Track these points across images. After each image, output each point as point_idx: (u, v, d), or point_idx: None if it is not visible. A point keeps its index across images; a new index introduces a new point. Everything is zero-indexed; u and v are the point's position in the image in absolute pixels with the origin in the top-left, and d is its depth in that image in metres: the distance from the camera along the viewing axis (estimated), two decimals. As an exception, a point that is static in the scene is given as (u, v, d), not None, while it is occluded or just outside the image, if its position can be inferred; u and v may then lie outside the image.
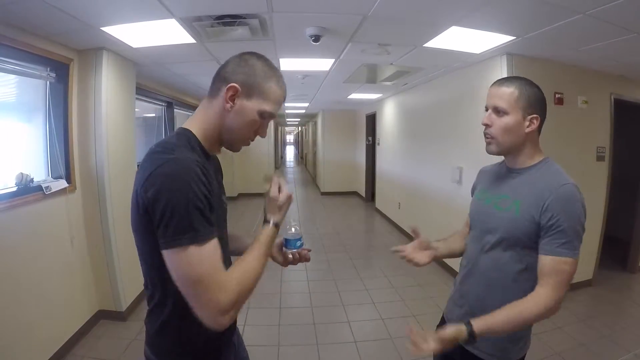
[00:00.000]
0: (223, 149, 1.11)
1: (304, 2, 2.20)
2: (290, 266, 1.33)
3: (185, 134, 1.01)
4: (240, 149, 1.10)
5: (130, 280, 3.27)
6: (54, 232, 2.68)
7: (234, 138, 1.05)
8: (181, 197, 0.83)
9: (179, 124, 5.64)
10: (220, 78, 1.01)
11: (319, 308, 3.55)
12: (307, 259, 1.28)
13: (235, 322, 1.22)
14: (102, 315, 3.15)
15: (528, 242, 1.15)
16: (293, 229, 1.27)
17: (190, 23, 2.45)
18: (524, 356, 1.30)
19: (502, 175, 1.31)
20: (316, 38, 2.71)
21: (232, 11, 2.30)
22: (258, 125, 1.05)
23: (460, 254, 1.49)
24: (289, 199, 1.15)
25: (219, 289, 0.86)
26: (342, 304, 3.65)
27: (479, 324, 1.08)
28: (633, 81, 4.06)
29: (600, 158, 3.90)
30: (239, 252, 1.10)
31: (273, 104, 1.03)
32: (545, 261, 1.10)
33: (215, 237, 0.89)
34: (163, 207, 0.83)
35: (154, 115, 5.06)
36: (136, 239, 0.95)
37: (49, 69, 2.65)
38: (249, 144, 1.10)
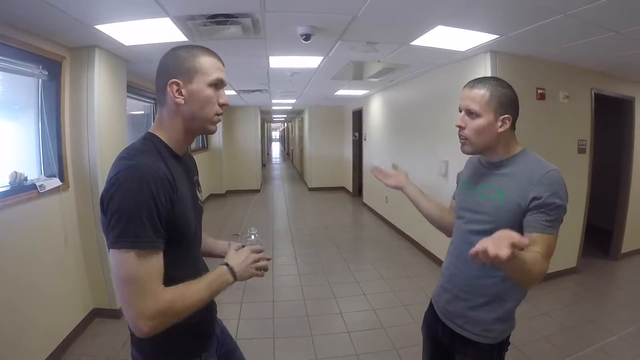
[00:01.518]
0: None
1: (296, 2, 2.26)
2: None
3: (151, 139, 1.05)
4: (215, 129, 1.12)
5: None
6: (48, 230, 2.68)
7: (201, 120, 1.06)
8: (130, 203, 0.88)
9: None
10: (160, 86, 1.04)
11: (311, 300, 3.63)
12: (265, 269, 1.21)
13: (215, 314, 1.27)
14: (96, 314, 3.17)
15: (515, 226, 1.20)
16: (252, 237, 1.24)
17: (184, 22, 2.48)
18: (509, 337, 1.38)
19: (483, 167, 1.38)
20: (307, 37, 2.78)
21: (226, 10, 2.35)
22: (216, 96, 1.07)
23: (425, 212, 1.57)
24: (260, 269, 1.17)
25: (148, 296, 0.89)
26: (333, 296, 3.74)
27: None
28: (613, 76, 4.23)
29: (581, 150, 4.05)
30: (202, 254, 1.18)
31: (215, 71, 1.05)
32: (533, 238, 1.14)
33: (159, 248, 0.92)
34: (112, 210, 0.88)
35: (142, 112, 5.03)
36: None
37: (41, 66, 2.63)
38: (219, 119, 1.11)
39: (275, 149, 33.10)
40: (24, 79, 2.60)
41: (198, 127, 1.08)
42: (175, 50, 1.06)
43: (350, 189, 9.73)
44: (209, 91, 1.04)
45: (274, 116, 15.48)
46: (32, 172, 2.65)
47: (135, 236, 0.87)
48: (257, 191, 10.19)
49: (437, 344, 1.51)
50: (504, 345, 1.35)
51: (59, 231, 2.79)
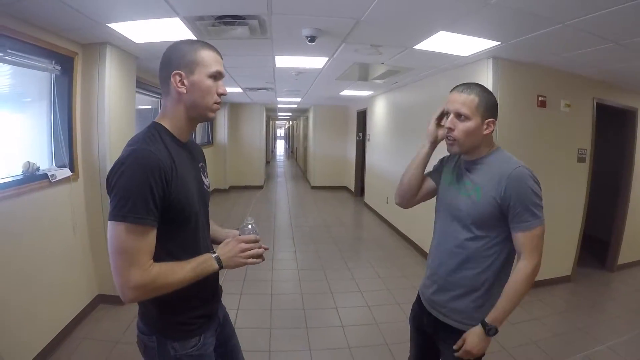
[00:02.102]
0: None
1: (302, 5, 2.34)
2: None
3: (155, 127, 1.14)
4: (214, 116, 1.20)
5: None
6: (57, 218, 2.79)
7: (202, 109, 1.15)
8: (125, 182, 0.98)
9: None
10: (164, 77, 1.13)
11: (308, 295, 3.72)
12: (257, 256, 1.24)
13: (219, 297, 1.37)
14: (101, 300, 3.28)
15: (492, 221, 1.32)
16: (249, 226, 1.26)
17: (194, 22, 2.58)
18: None
19: (463, 165, 1.47)
20: (312, 39, 2.86)
21: (234, 12, 2.44)
22: (215, 87, 1.15)
23: (409, 177, 1.57)
24: (252, 257, 1.21)
25: (134, 268, 0.99)
26: (330, 291, 3.83)
27: (491, 317, 1.31)
28: (616, 87, 4.24)
29: (581, 159, 4.05)
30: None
31: (214, 64, 1.14)
32: (517, 237, 1.29)
33: (149, 225, 1.01)
34: (112, 187, 1.00)
35: (149, 107, 5.14)
36: None
37: (54, 61, 2.74)
38: (218, 107, 1.19)
39: (280, 147, 33.21)
40: (38, 73, 2.70)
41: (199, 115, 1.18)
42: (177, 44, 1.15)
43: (352, 188, 9.81)
44: (209, 82, 1.14)
45: (279, 114, 15.58)
46: (43, 162, 2.76)
47: (127, 211, 0.97)
48: (260, 187, 10.29)
49: (422, 334, 1.60)
50: None
51: (68, 220, 2.90)
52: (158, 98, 5.17)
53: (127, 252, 0.99)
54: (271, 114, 15.19)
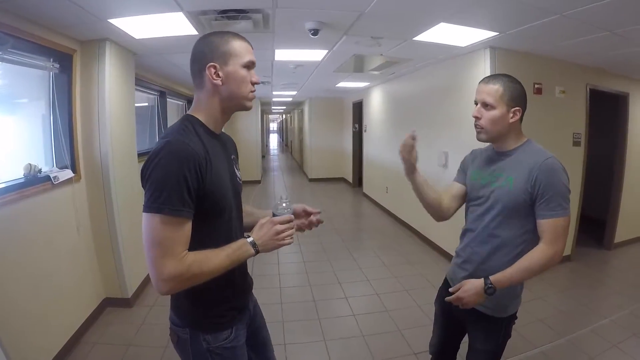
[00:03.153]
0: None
1: (307, -1, 2.36)
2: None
3: (189, 119, 1.15)
4: (251, 105, 1.21)
5: (136, 266, 3.38)
6: (61, 221, 2.73)
7: (239, 99, 1.17)
8: (161, 173, 0.98)
9: (171, 113, 5.73)
10: (196, 70, 1.14)
11: (317, 286, 3.77)
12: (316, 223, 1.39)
13: (250, 288, 1.38)
14: (108, 303, 3.22)
15: (524, 210, 1.38)
16: (284, 204, 1.23)
17: (197, 16, 2.56)
18: (516, 312, 1.55)
19: (493, 157, 1.53)
20: (315, 32, 2.87)
21: (239, 6, 2.44)
22: (249, 76, 1.17)
23: (424, 199, 1.61)
24: (284, 239, 1.18)
25: (168, 259, 0.99)
26: (338, 282, 3.89)
27: (496, 277, 1.35)
28: (608, 73, 4.35)
29: (576, 143, 4.19)
30: (249, 228, 1.23)
31: (246, 54, 1.16)
32: (542, 223, 1.34)
33: (183, 216, 1.01)
34: (147, 179, 1.00)
35: (146, 104, 5.11)
36: None
37: (52, 59, 2.67)
38: (254, 96, 1.22)
39: (274, 140, 33.10)
40: (36, 72, 2.64)
41: (235, 105, 1.19)
42: (208, 37, 1.15)
43: (350, 179, 9.86)
44: (243, 72, 1.15)
45: (273, 108, 15.53)
46: (44, 163, 2.71)
47: (161, 203, 0.97)
48: (258, 182, 10.30)
49: (449, 316, 1.66)
50: (512, 318, 1.53)
51: (72, 222, 2.84)
52: (156, 95, 5.15)
53: (161, 244, 0.99)
54: (265, 107, 15.13)
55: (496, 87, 1.39)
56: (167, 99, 5.51)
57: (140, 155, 3.78)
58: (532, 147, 1.45)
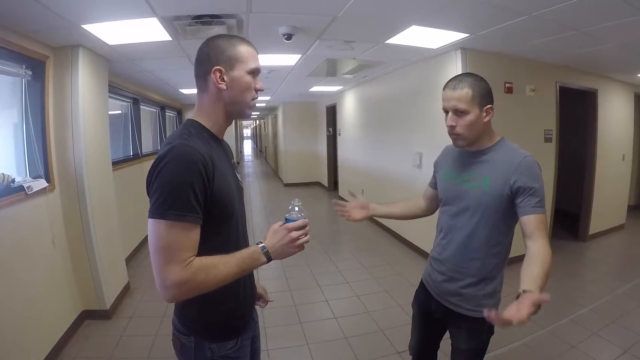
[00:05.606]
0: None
1: (281, 3, 2.36)
2: None
3: (192, 124, 1.12)
4: (250, 114, 1.19)
5: (113, 277, 3.28)
6: (35, 233, 2.65)
7: (241, 105, 1.14)
8: (166, 178, 0.95)
9: (144, 121, 5.59)
10: (201, 73, 1.11)
11: (297, 291, 3.76)
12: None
13: (255, 298, 1.37)
14: (86, 315, 3.13)
15: (501, 210, 1.37)
16: (297, 208, 1.20)
17: (171, 22, 2.53)
18: (497, 308, 1.50)
19: (466, 157, 1.49)
20: (289, 36, 2.88)
21: (214, 11, 2.42)
22: (253, 83, 1.14)
23: (400, 217, 1.73)
24: (298, 246, 1.15)
25: (175, 264, 0.95)
26: (318, 285, 3.89)
27: (531, 287, 1.16)
28: (577, 70, 4.55)
29: (547, 140, 4.35)
30: None
31: (253, 59, 1.12)
32: (529, 219, 1.28)
33: (193, 223, 0.98)
34: (153, 185, 0.97)
35: (119, 112, 4.97)
36: None
37: (24, 66, 2.60)
38: (255, 104, 1.19)
39: (247, 146, 32.82)
40: (8, 79, 2.56)
41: (237, 111, 1.16)
42: (214, 40, 1.11)
43: (326, 183, 9.90)
44: (248, 78, 1.12)
45: (246, 113, 15.35)
46: (17, 173, 2.62)
47: (167, 208, 0.94)
48: (233, 189, 10.13)
49: (428, 317, 1.66)
50: None
51: (47, 233, 2.76)
52: (129, 102, 5.01)
53: (166, 250, 0.95)
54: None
55: (465, 91, 1.35)
56: (141, 106, 5.38)
57: (114, 163, 3.67)
58: (507, 146, 1.43)
